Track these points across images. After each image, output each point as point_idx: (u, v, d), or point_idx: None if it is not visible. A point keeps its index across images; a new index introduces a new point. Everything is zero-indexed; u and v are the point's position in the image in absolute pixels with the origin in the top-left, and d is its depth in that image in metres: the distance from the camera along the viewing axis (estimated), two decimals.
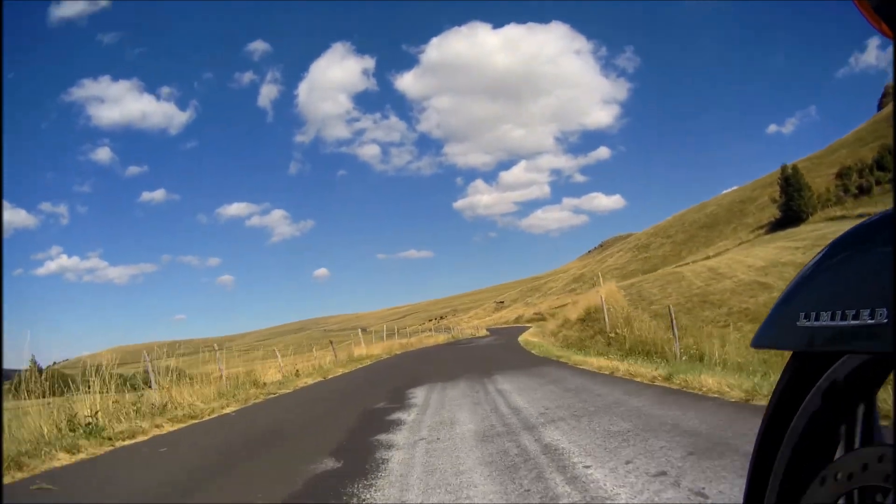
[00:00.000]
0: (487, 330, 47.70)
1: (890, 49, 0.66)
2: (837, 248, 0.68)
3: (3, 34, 1.40)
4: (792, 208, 68.80)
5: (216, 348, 10.95)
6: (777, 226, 69.78)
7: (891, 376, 0.68)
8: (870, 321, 0.59)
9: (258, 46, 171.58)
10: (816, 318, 0.65)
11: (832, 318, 0.63)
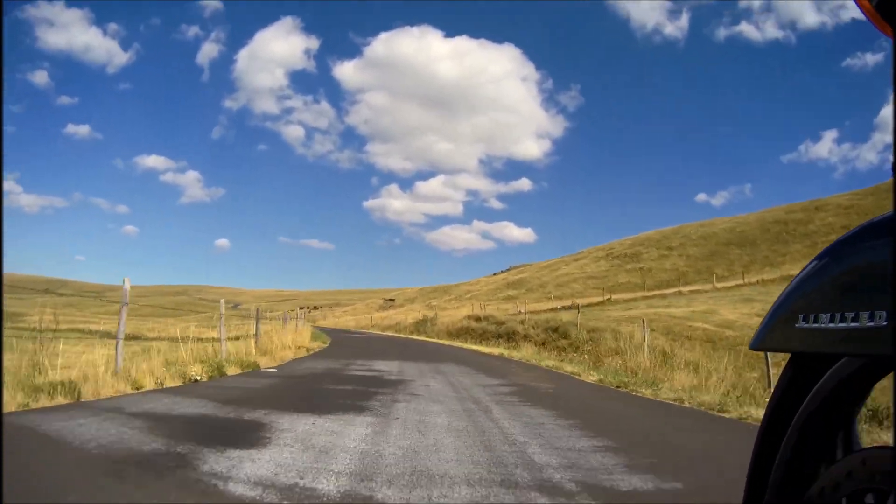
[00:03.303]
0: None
1: (890, 48, 0.66)
2: (837, 250, 0.68)
3: (3, 34, 1.13)
4: None
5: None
6: None
7: (890, 377, 0.67)
8: (869, 323, 0.59)
9: (210, 3, 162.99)
10: (815, 320, 0.65)
11: (831, 320, 0.63)
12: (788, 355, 0.75)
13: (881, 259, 0.60)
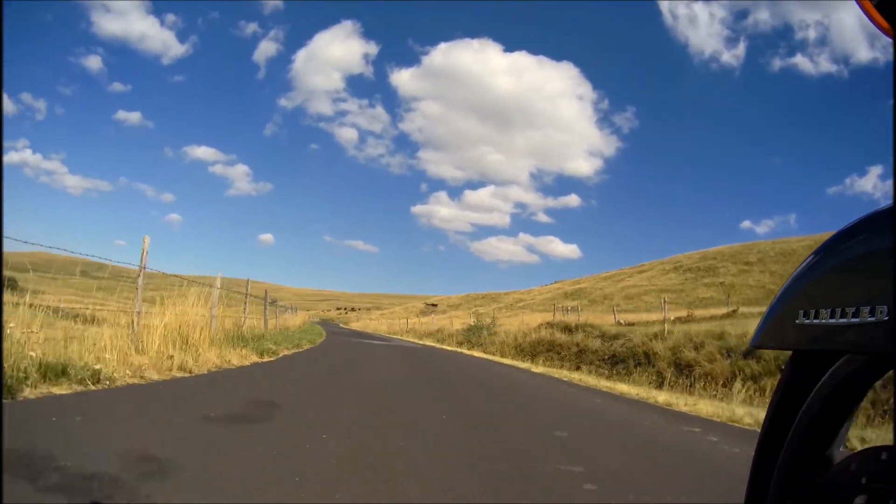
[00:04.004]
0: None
1: (890, 48, 0.65)
2: (837, 244, 0.66)
3: (3, 34, 1.26)
4: None
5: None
6: None
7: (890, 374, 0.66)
8: (870, 319, 0.58)
9: (271, 2, 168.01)
10: (816, 316, 0.64)
11: (832, 316, 0.62)
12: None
13: (881, 252, 0.59)
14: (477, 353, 17.65)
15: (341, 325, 60.73)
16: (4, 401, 3.38)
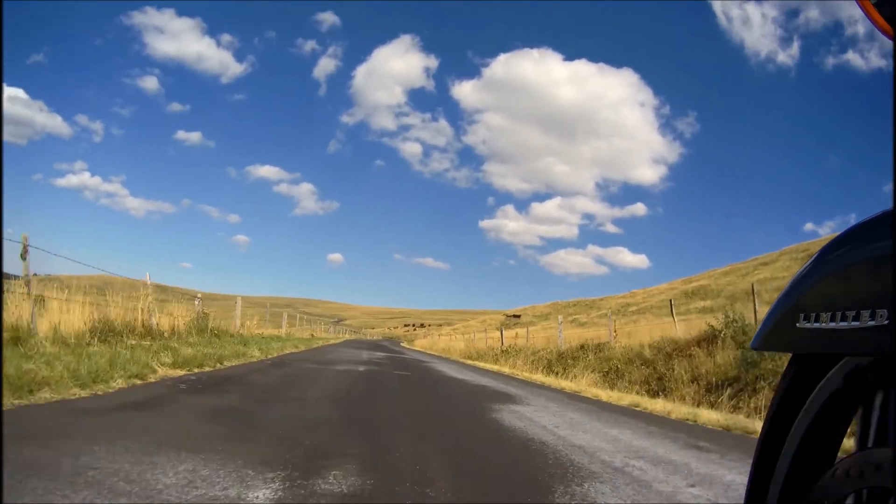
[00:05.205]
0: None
1: (890, 48, 0.66)
2: (837, 247, 0.67)
3: (3, 33, 1.43)
4: None
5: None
6: None
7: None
8: (870, 322, 0.58)
9: (328, 18, 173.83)
10: (816, 320, 0.64)
11: (832, 320, 0.62)
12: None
13: (882, 256, 0.59)
14: None
15: (402, 343, 51.70)
16: None
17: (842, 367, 0.66)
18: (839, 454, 0.69)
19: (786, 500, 0.70)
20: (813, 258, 0.70)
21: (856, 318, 0.59)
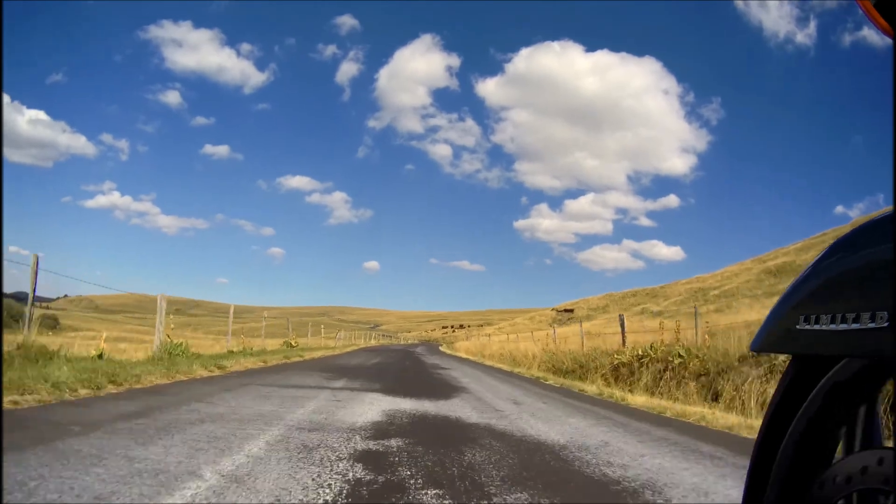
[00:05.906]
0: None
1: (890, 47, 0.65)
2: (837, 250, 0.67)
3: (2, 34, 1.50)
4: None
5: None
6: None
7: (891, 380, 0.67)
8: (870, 324, 0.58)
9: (346, 21, 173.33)
10: (816, 321, 0.65)
11: (832, 321, 0.62)
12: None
13: (882, 259, 0.59)
14: None
15: (441, 346, 45.38)
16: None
17: (841, 369, 0.66)
18: (838, 455, 0.70)
19: (783, 500, 0.70)
20: (815, 260, 0.70)
21: (856, 320, 0.60)
